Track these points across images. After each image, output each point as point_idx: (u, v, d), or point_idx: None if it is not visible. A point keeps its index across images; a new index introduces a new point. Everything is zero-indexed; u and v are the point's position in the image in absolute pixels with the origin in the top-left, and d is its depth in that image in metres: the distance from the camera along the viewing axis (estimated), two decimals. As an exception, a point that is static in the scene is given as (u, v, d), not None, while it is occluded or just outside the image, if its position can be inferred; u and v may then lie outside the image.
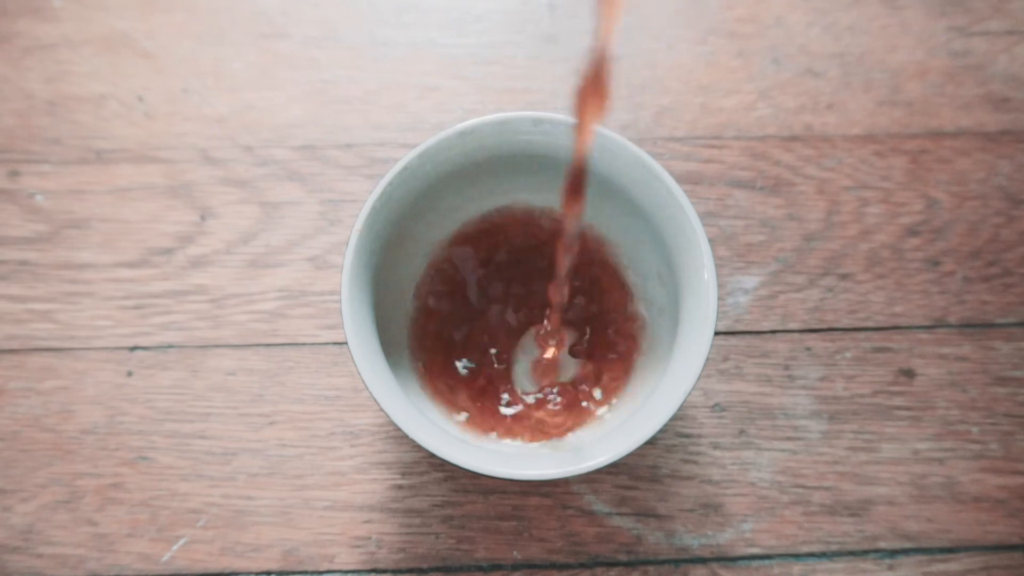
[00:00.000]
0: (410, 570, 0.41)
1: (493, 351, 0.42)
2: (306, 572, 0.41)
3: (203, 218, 0.47)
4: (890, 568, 0.41)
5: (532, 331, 0.42)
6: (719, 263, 0.46)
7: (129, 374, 0.44)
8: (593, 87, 0.26)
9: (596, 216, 0.41)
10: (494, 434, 0.39)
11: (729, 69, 0.50)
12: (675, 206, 0.37)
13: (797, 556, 0.41)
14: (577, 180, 0.30)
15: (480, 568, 0.41)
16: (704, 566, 0.41)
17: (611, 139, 0.38)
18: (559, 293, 0.36)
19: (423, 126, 0.49)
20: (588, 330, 0.42)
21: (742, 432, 0.43)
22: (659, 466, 0.43)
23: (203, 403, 0.44)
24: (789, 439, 0.43)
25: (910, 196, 0.47)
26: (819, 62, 0.50)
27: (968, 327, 0.45)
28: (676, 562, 0.41)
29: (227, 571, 0.41)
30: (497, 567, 0.41)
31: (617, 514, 0.42)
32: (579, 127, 0.28)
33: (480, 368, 0.41)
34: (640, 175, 0.38)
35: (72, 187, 0.47)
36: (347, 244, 0.36)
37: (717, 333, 0.45)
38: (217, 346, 0.44)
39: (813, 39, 0.50)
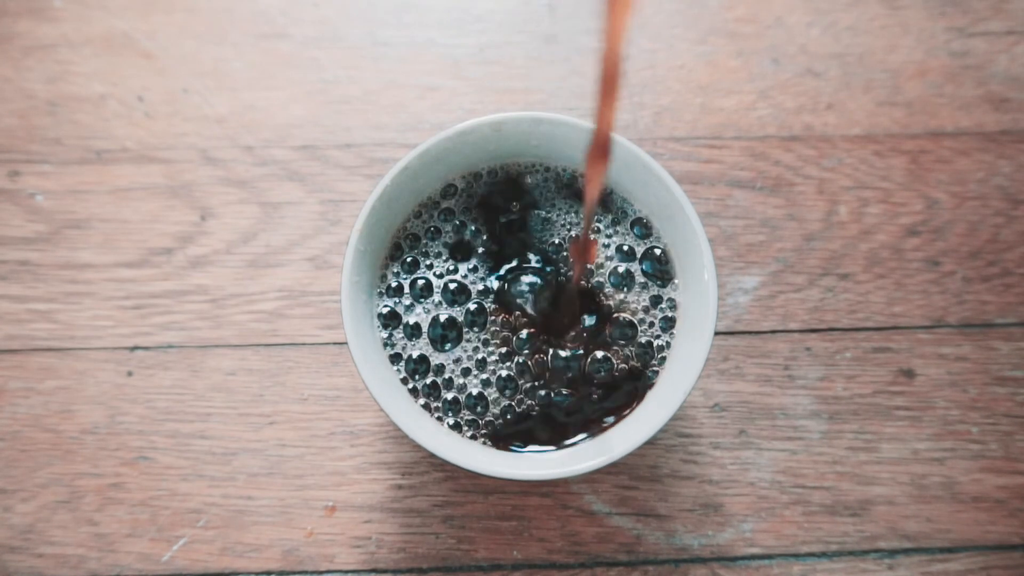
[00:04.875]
0: (410, 570, 0.41)
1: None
2: (306, 572, 0.41)
3: (203, 218, 0.47)
4: (890, 568, 0.41)
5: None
6: (719, 263, 0.46)
7: (129, 374, 0.44)
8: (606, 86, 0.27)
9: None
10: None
11: (729, 69, 0.50)
12: (675, 206, 0.37)
13: (797, 556, 0.41)
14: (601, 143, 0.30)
15: (480, 568, 0.41)
16: (704, 566, 0.41)
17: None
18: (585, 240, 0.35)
19: (423, 126, 0.49)
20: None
21: (742, 432, 0.43)
22: (659, 466, 0.43)
23: (203, 403, 0.44)
24: (789, 439, 0.43)
25: (910, 196, 0.47)
26: (819, 62, 0.50)
27: (968, 327, 0.45)
28: (676, 562, 0.41)
29: (227, 571, 0.41)
30: (497, 567, 0.41)
31: (617, 514, 0.42)
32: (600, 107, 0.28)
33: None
34: (640, 175, 0.38)
35: (72, 187, 0.47)
36: (347, 244, 0.36)
37: (717, 333, 0.45)
38: (217, 346, 0.44)
39: (813, 39, 0.50)
